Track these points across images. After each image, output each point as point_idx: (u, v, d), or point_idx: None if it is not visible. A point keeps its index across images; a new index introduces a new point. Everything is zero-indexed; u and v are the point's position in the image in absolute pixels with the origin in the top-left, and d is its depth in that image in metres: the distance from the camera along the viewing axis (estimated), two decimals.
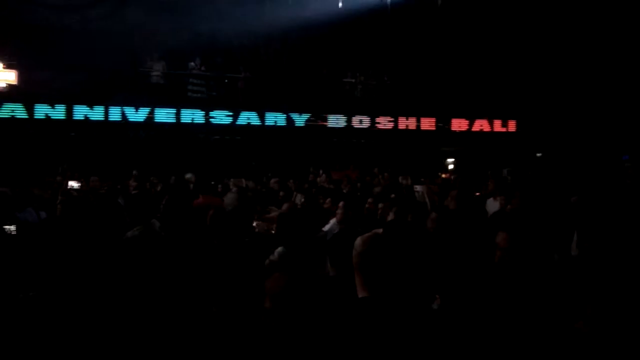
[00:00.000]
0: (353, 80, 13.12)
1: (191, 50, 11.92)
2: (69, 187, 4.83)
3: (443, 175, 11.64)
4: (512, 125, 13.46)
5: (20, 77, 10.51)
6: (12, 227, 4.40)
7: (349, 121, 12.77)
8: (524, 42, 12.44)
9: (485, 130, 13.35)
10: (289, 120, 12.41)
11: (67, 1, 10.75)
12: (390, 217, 4.22)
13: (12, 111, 10.75)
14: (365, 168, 11.03)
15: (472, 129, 13.29)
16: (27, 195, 5.89)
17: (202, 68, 12.32)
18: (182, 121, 11.66)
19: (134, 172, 9.46)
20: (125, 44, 10.95)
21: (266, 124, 12.26)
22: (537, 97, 12.76)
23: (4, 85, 10.40)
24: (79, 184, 5.19)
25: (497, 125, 13.46)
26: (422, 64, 13.01)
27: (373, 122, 12.88)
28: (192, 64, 12.01)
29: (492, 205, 5.93)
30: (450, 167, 13.30)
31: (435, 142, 13.34)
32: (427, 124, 13.16)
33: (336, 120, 12.71)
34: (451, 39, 12.59)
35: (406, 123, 13.05)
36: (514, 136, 13.41)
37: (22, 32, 11.02)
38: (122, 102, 11.13)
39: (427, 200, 5.13)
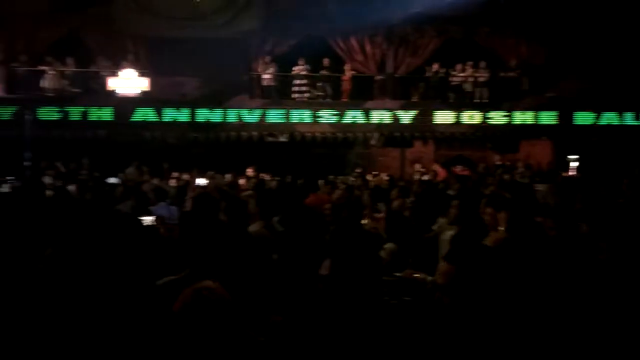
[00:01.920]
0: (463, 75, 12.61)
1: (299, 52, 12.29)
2: (196, 184, 5.28)
3: (565, 174, 10.77)
4: None
5: (151, 83, 11.63)
6: (149, 219, 4.93)
7: (457, 117, 12.34)
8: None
9: (614, 124, 12.12)
10: (395, 118, 12.33)
11: (191, 13, 11.63)
12: (500, 220, 3.95)
13: (144, 115, 11.96)
14: (473, 165, 10.59)
15: (599, 123, 12.12)
16: (160, 191, 6.56)
17: (309, 68, 12.67)
18: (290, 121, 12.14)
19: (248, 170, 10.06)
20: (240, 50, 11.63)
21: (371, 121, 12.31)
22: None
23: (139, 91, 11.59)
24: (206, 181, 5.64)
25: (629, 119, 12.17)
26: (539, 54, 12.15)
27: (484, 118, 12.30)
28: (299, 66, 12.40)
29: None
30: (573, 164, 12.22)
31: (556, 137, 12.36)
32: (547, 117, 12.28)
33: (444, 116, 12.34)
34: (570, 26, 11.58)
35: (522, 117, 12.29)
36: None
37: (153, 43, 12.23)
38: (238, 104, 11.90)
39: (549, 200, 4.79)
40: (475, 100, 12.36)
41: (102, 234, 3.37)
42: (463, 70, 12.53)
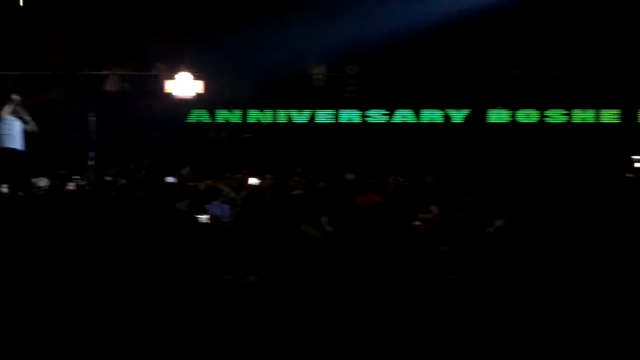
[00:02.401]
0: (519, 72, 12.19)
1: (349, 53, 12.32)
2: (248, 184, 5.42)
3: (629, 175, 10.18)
4: None
5: (205, 86, 12.03)
6: (204, 217, 5.12)
7: (512, 116, 11.94)
8: None
9: None
10: (446, 117, 12.10)
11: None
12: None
13: (198, 116, 12.36)
14: (531, 167, 10.19)
15: None
16: (214, 190, 6.77)
17: (358, 68, 12.69)
18: (340, 121, 12.18)
19: (298, 169, 10.21)
20: (290, 51, 11.79)
21: (422, 121, 12.14)
22: None
23: (194, 94, 12.01)
24: (259, 181, 5.78)
25: None
26: (601, 48, 11.55)
27: (541, 116, 11.84)
28: (350, 66, 12.43)
29: None
30: (638, 165, 11.53)
31: (619, 137, 11.70)
32: (609, 116, 11.64)
33: (498, 115, 11.98)
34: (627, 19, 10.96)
35: (583, 116, 11.72)
36: None
37: (206, 46, 12.63)
38: (288, 105, 12.07)
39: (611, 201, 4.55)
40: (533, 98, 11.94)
41: (163, 231, 3.55)
42: None
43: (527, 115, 11.91)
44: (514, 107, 11.91)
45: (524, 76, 12.24)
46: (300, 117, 12.24)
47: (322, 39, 12.45)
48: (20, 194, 7.47)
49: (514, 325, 2.18)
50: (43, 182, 9.25)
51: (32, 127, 7.36)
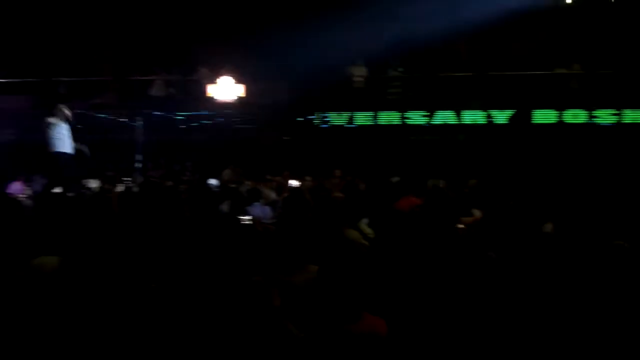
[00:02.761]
0: (566, 71, 11.79)
1: (390, 53, 12.26)
2: (289, 186, 5.49)
3: None
4: None
5: (246, 90, 12.26)
6: (246, 218, 5.22)
7: (559, 116, 11.55)
8: None
9: None
10: (489, 118, 11.84)
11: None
12: None
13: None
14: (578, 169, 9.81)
15: None
16: (255, 192, 6.89)
17: (400, 70, 12.60)
18: (378, 122, 12.14)
19: (337, 171, 10.22)
20: (331, 53, 11.85)
21: (463, 122, 11.93)
22: None
23: (235, 98, 12.25)
24: (299, 183, 5.84)
25: None
26: None
27: (590, 117, 11.39)
28: (391, 69, 12.36)
29: None
30: None
31: None
32: None
33: (544, 116, 11.62)
34: None
35: (634, 116, 11.20)
36: None
37: (248, 49, 12.88)
38: (327, 108, 12.14)
39: None
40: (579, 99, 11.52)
41: (208, 232, 3.65)
42: None
43: (575, 116, 11.50)
44: (560, 107, 11.53)
45: (570, 75, 11.84)
46: (339, 119, 12.29)
47: (362, 40, 12.46)
48: (70, 194, 7.88)
49: (567, 332, 2.12)
50: (94, 183, 9.67)
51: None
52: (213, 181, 9.04)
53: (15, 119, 12.35)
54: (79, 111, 11.74)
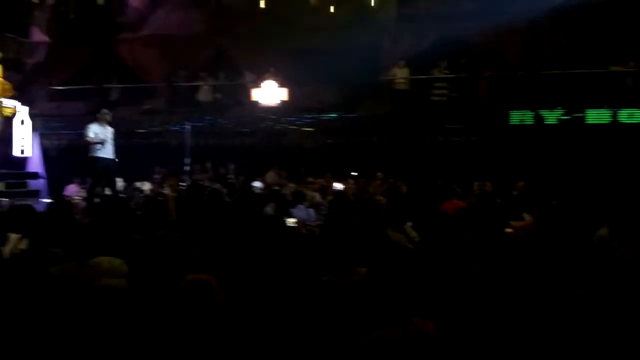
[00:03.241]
0: (621, 69, 11.25)
1: (434, 54, 12.09)
2: (334, 189, 5.51)
3: None
4: None
5: (290, 93, 12.40)
6: (292, 221, 5.28)
7: (614, 116, 11.02)
8: None
9: None
10: (538, 118, 11.45)
11: (326, 23, 12.13)
12: None
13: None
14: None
15: None
16: (299, 194, 6.96)
17: (446, 71, 12.39)
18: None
19: (378, 174, 10.18)
20: (373, 55, 11.82)
21: (510, 122, 11.60)
22: None
23: (278, 101, 12.42)
24: (342, 185, 5.86)
25: None
26: None
27: None
28: (437, 68, 12.19)
29: None
30: None
31: None
32: None
33: (598, 116, 11.12)
34: None
35: None
36: None
37: (292, 55, 13.04)
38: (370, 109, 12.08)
39: None
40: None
41: (253, 235, 3.73)
42: None
43: (630, 115, 10.94)
44: (615, 106, 11.00)
45: (625, 73, 11.28)
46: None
47: (404, 39, 12.36)
48: (123, 196, 8.23)
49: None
50: (146, 186, 10.05)
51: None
52: (257, 184, 9.21)
53: (72, 124, 13.02)
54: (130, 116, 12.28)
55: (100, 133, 7.68)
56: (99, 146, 7.66)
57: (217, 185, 8.55)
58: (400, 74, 12.35)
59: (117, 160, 8.04)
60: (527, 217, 5.22)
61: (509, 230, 4.29)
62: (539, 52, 11.89)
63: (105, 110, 7.92)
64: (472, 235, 3.30)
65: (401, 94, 12.33)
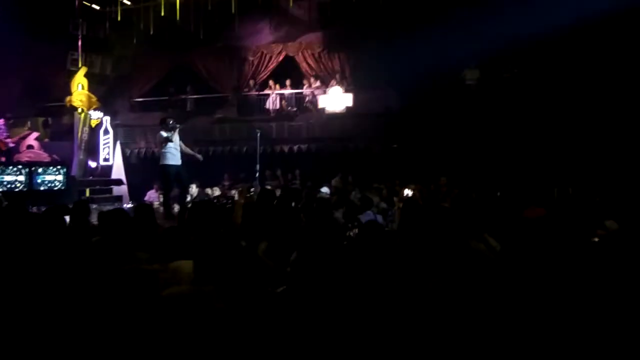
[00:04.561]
0: None
1: (507, 56, 11.62)
2: (404, 195, 5.43)
3: None
4: None
5: (355, 99, 12.39)
6: (355, 230, 5.24)
7: None
8: None
9: None
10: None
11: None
12: None
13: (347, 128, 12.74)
14: None
15: None
16: (367, 200, 6.92)
17: (515, 71, 11.90)
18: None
19: (442, 179, 9.90)
20: (443, 57, 11.53)
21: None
22: None
23: (343, 107, 12.45)
24: (412, 192, 5.76)
25: None
26: None
27: None
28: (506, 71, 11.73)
29: None
30: None
31: None
32: None
33: None
34: None
35: None
36: None
37: (357, 60, 13.07)
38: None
39: None
40: None
41: (323, 239, 3.74)
42: None
43: None
44: None
45: None
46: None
47: (475, 41, 11.94)
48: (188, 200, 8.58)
49: None
50: (216, 192, 10.45)
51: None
52: (325, 189, 9.27)
53: (150, 133, 13.81)
54: (203, 125, 12.77)
55: (169, 142, 7.92)
56: (168, 155, 7.93)
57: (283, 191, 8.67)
58: (470, 75, 11.99)
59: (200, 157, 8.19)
60: (612, 225, 4.86)
61: (595, 239, 4.01)
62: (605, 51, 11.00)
63: (170, 119, 8.20)
64: (556, 243, 3.11)
65: (471, 96, 11.95)
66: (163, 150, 7.96)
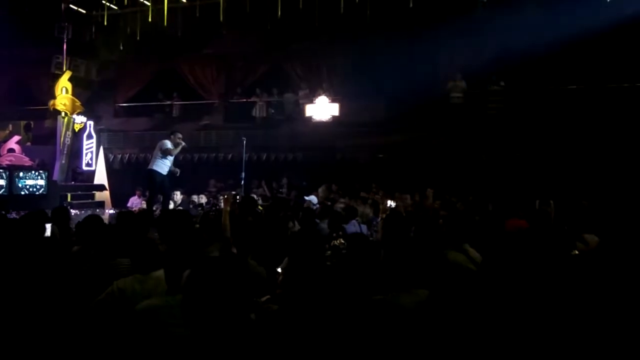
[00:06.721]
0: None
1: (493, 68, 11.77)
2: (388, 206, 5.45)
3: None
4: None
5: (342, 108, 12.44)
6: (341, 240, 5.25)
7: None
8: None
9: None
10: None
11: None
12: None
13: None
14: None
15: None
16: (351, 210, 6.93)
17: (502, 84, 12.08)
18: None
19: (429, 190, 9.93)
20: (429, 68, 11.66)
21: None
22: None
23: (330, 117, 12.49)
24: (395, 203, 5.78)
25: None
26: None
27: None
28: (491, 83, 11.90)
29: None
30: None
31: None
32: None
33: None
34: None
35: None
36: None
37: (344, 70, 13.15)
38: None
39: None
40: None
41: (308, 249, 3.73)
42: None
43: None
44: None
45: None
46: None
47: (460, 53, 12.11)
48: (181, 208, 8.53)
49: None
50: (203, 199, 10.37)
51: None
52: (312, 198, 9.25)
53: (135, 138, 13.69)
54: (189, 131, 12.69)
55: (167, 154, 8.03)
56: (160, 163, 7.98)
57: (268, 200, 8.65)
58: (456, 88, 12.12)
59: (178, 171, 8.30)
60: (592, 238, 4.93)
61: (575, 252, 4.07)
62: (599, 65, 11.28)
63: (179, 135, 8.22)
64: (537, 256, 3.14)
65: (457, 108, 12.08)
66: (158, 158, 8.00)
